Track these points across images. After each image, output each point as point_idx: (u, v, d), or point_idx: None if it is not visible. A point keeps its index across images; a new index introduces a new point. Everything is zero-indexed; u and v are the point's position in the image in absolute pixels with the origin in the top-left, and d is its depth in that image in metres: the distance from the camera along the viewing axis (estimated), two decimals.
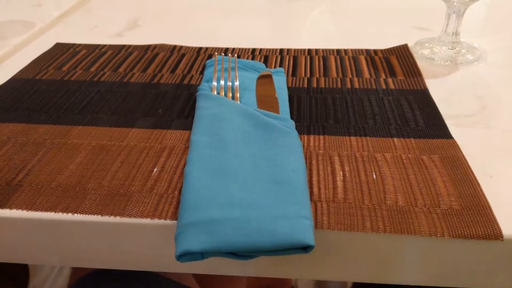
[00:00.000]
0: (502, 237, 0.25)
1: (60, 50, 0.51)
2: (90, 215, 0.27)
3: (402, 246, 0.26)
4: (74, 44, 0.52)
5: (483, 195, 0.27)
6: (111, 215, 0.27)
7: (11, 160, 0.32)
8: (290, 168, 0.28)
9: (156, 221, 0.27)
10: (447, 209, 0.26)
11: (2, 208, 0.28)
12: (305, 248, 0.23)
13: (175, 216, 0.27)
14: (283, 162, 0.28)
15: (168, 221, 0.26)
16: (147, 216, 0.27)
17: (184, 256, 0.24)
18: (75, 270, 0.50)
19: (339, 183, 0.29)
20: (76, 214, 0.27)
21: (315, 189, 0.28)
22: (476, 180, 0.28)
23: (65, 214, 0.27)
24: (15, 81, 0.44)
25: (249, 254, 0.24)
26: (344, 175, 0.29)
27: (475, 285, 0.27)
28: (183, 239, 0.24)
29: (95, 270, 0.47)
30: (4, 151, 0.33)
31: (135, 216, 0.27)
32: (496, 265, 0.26)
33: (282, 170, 0.28)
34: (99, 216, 0.27)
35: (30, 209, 0.28)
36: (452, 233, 0.25)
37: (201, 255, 0.24)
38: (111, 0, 0.70)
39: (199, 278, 0.56)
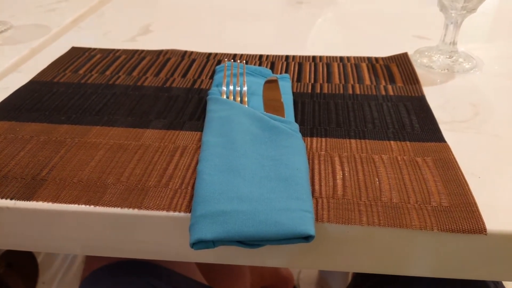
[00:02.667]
0: (485, 231, 0.27)
1: (76, 54, 0.54)
2: (110, 208, 0.30)
3: (395, 239, 0.28)
4: (89, 48, 0.55)
5: (471, 194, 0.30)
6: (129, 207, 0.30)
7: (35, 157, 0.35)
8: (294, 167, 0.30)
9: (171, 213, 0.29)
10: (437, 206, 0.29)
11: (29, 200, 0.31)
12: (306, 238, 0.26)
13: (188, 209, 0.29)
14: (288, 161, 0.31)
15: (182, 214, 0.29)
16: (163, 209, 0.29)
17: (197, 244, 0.26)
18: (87, 264, 0.53)
19: (339, 181, 0.31)
20: (97, 207, 0.30)
21: (317, 187, 0.31)
22: (465, 180, 0.31)
23: (87, 206, 0.30)
24: (35, 83, 0.47)
25: (255, 243, 0.27)
26: (343, 174, 0.32)
27: (460, 276, 0.30)
28: (197, 229, 0.26)
29: (108, 264, 0.50)
30: (28, 148, 0.36)
31: (152, 209, 0.29)
32: (479, 257, 0.29)
33: (287, 168, 0.30)
34: (119, 208, 0.30)
35: (55, 202, 0.30)
36: (441, 227, 0.27)
37: (213, 243, 0.26)
38: (122, 6, 0.73)
39: (205, 273, 0.59)
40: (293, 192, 0.28)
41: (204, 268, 0.60)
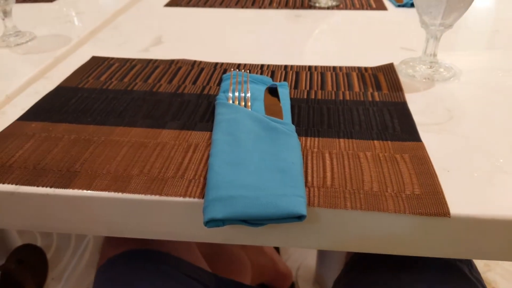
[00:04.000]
0: (449, 214, 0.33)
1: (96, 63, 0.59)
2: (135, 194, 0.35)
3: (375, 221, 0.34)
4: (107, 58, 0.61)
5: (439, 184, 0.35)
6: (151, 194, 0.35)
7: (68, 153, 0.41)
8: (290, 161, 0.36)
9: (187, 199, 0.35)
10: (410, 194, 0.34)
11: (67, 188, 0.36)
12: (299, 217, 0.32)
13: (201, 195, 0.35)
14: (285, 156, 0.37)
15: (196, 199, 0.35)
16: (179, 195, 0.35)
17: (210, 223, 0.32)
18: (103, 253, 0.58)
19: (328, 174, 0.37)
20: (124, 194, 0.36)
21: (309, 178, 0.36)
22: (435, 173, 0.36)
23: (116, 193, 0.36)
24: (62, 89, 0.53)
25: (258, 222, 0.32)
26: (332, 168, 0.37)
27: (430, 254, 0.36)
28: (209, 210, 0.32)
29: (122, 252, 0.55)
30: (61, 145, 0.42)
31: (171, 195, 0.35)
32: (445, 238, 0.34)
33: (284, 162, 0.36)
34: (142, 195, 0.35)
35: (88, 189, 0.36)
36: (412, 211, 0.33)
37: (222, 222, 0.32)
38: (135, 18, 0.79)
39: (210, 264, 0.64)
40: (289, 181, 0.34)
41: (209, 259, 0.65)
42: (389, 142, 0.41)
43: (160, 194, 0.35)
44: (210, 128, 0.43)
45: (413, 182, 0.36)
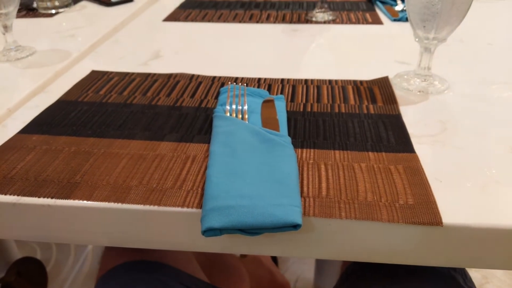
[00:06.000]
0: (442, 223, 0.33)
1: (96, 77, 0.61)
2: (134, 205, 0.36)
3: (369, 230, 0.35)
4: (107, 72, 0.62)
5: (432, 194, 0.36)
6: (150, 205, 0.36)
7: (69, 165, 0.41)
8: (286, 172, 0.37)
9: (185, 209, 0.35)
10: (403, 204, 0.35)
11: (67, 199, 0.37)
12: (295, 226, 0.32)
13: (199, 206, 0.35)
14: (281, 168, 0.37)
15: (194, 210, 0.35)
16: (178, 206, 0.36)
17: (207, 232, 0.32)
18: (103, 264, 0.58)
19: (324, 184, 0.37)
20: (124, 204, 0.36)
21: (305, 188, 0.37)
22: (428, 184, 0.37)
23: (115, 204, 0.36)
24: (62, 103, 0.54)
25: (254, 231, 0.33)
26: (327, 179, 0.38)
27: (423, 263, 0.36)
28: (207, 220, 0.33)
29: (122, 263, 0.55)
30: (61, 157, 0.43)
31: (169, 206, 0.36)
32: (438, 246, 0.35)
33: (280, 173, 0.37)
34: (142, 205, 0.36)
35: (88, 200, 0.37)
36: (405, 220, 0.34)
37: (220, 231, 0.32)
38: (134, 32, 0.81)
39: (208, 275, 0.64)
40: (285, 192, 0.35)
41: (207, 270, 0.65)
42: (384, 153, 0.42)
43: (159, 205, 0.36)
44: (208, 140, 0.44)
45: (407, 192, 0.36)
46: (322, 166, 0.40)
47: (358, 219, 0.34)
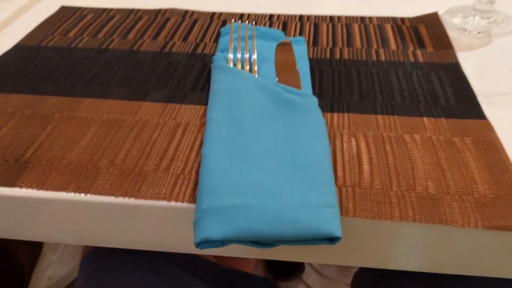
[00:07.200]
0: None
1: (66, 14, 0.49)
2: (103, 196, 0.26)
3: (432, 237, 0.24)
4: (80, 8, 0.50)
5: None
6: (125, 196, 0.26)
7: (19, 135, 0.31)
8: (313, 151, 0.26)
9: (173, 203, 0.25)
10: (480, 198, 0.25)
11: (12, 187, 0.27)
12: (331, 239, 0.22)
13: (192, 198, 0.25)
14: (306, 144, 0.27)
15: (185, 204, 0.25)
16: (163, 198, 0.26)
17: (203, 244, 0.22)
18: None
19: (365, 167, 0.27)
20: (88, 195, 0.26)
21: (340, 173, 0.27)
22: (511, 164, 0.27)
23: (77, 194, 0.26)
24: (20, 48, 0.42)
25: (270, 243, 0.23)
26: (370, 158, 0.27)
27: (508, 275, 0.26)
28: (203, 226, 0.22)
29: None
30: (11, 124, 0.32)
31: (151, 198, 0.26)
32: None
33: (305, 153, 0.26)
34: (113, 197, 0.26)
35: (40, 188, 0.27)
36: (486, 223, 0.23)
37: (221, 243, 0.22)
38: None
39: None
40: (313, 183, 0.24)
41: None
42: (443, 119, 0.31)
43: (137, 197, 0.26)
44: (204, 101, 0.33)
45: (484, 180, 0.26)
46: (362, 139, 0.29)
47: (418, 222, 0.24)
